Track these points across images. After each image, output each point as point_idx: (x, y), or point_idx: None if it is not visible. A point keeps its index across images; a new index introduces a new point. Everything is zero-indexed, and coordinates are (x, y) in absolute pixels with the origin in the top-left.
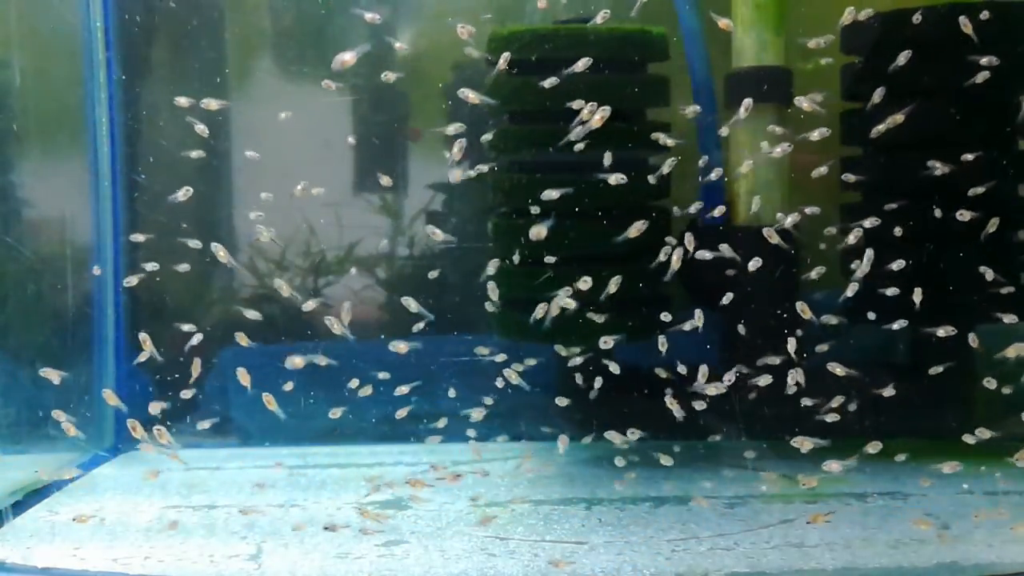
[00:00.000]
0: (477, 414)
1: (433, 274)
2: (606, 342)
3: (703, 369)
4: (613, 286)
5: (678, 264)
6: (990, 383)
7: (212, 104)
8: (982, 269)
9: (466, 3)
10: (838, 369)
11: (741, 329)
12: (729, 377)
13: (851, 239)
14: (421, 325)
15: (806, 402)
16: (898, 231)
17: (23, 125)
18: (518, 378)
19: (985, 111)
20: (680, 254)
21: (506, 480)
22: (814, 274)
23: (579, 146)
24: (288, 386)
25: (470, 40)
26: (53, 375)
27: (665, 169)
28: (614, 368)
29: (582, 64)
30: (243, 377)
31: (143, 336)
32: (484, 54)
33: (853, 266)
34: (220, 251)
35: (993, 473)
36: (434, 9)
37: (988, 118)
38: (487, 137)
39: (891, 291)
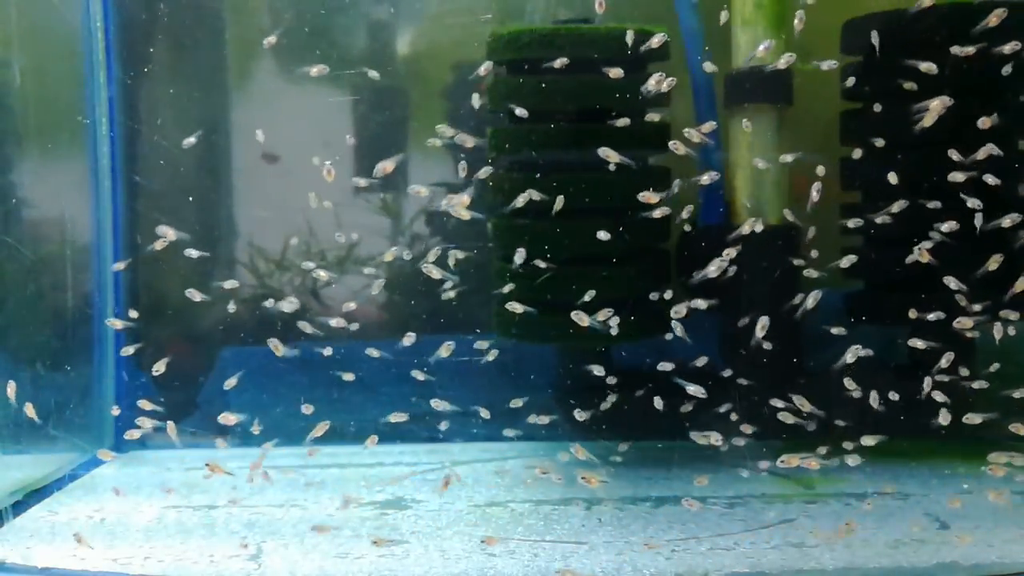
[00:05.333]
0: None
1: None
2: None
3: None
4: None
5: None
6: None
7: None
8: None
9: (466, 3)
10: (920, 343)
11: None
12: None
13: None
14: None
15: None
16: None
17: (23, 125)
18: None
19: (987, 110)
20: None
21: (506, 480)
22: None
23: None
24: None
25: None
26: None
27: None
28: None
29: (615, 74)
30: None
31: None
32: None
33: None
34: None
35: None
36: (434, 9)
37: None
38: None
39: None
